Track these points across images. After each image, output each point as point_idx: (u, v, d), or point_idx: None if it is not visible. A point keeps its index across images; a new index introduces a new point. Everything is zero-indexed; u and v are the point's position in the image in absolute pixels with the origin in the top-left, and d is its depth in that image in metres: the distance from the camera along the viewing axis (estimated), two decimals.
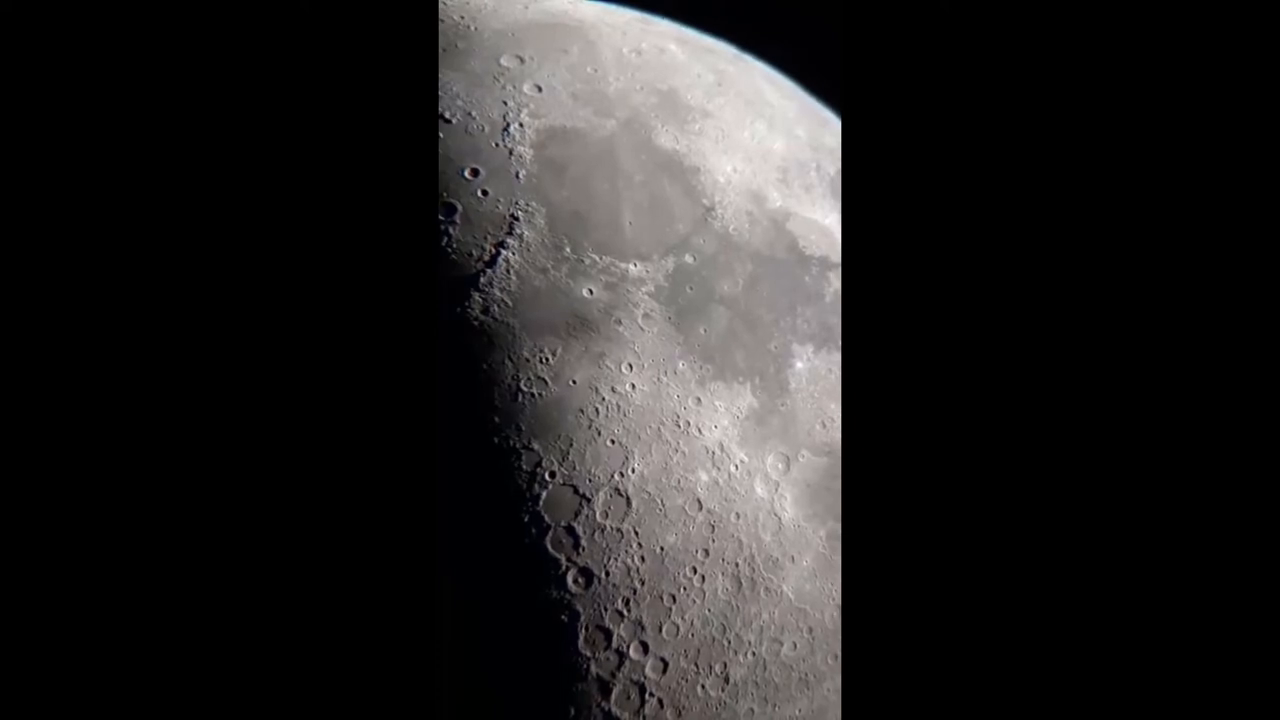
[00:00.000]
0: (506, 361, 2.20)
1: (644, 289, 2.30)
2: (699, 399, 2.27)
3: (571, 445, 2.19)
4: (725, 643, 2.25)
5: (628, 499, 2.20)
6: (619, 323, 2.26)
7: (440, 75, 2.44)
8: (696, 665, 2.23)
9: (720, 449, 2.27)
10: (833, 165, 2.68)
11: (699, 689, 2.24)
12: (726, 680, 2.26)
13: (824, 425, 2.37)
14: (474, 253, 2.25)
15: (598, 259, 2.29)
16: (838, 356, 2.41)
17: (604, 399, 2.22)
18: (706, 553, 2.23)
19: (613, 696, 2.21)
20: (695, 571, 2.23)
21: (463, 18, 2.58)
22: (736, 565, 2.25)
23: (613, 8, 2.82)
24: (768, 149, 2.59)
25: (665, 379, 2.26)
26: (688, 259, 2.35)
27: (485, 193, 2.30)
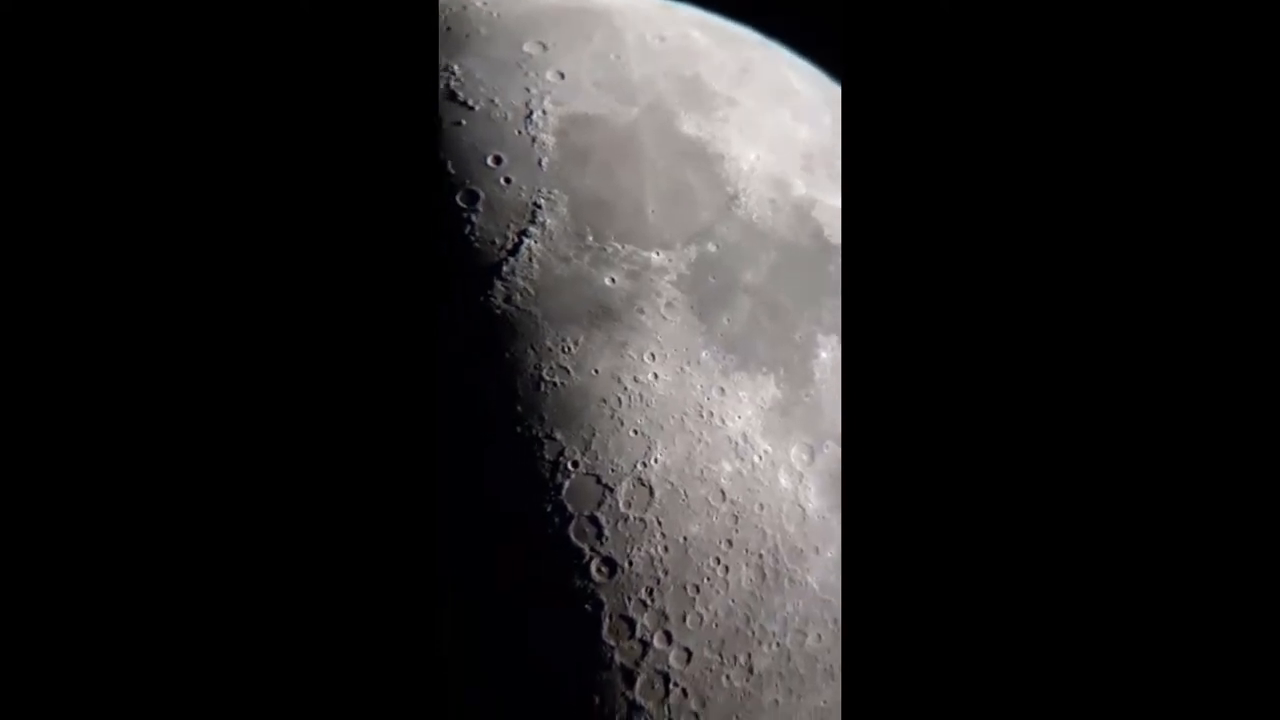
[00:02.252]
0: (529, 350, 2.19)
1: (667, 278, 2.29)
2: (722, 389, 2.26)
3: (594, 435, 2.19)
4: (749, 633, 2.24)
5: (650, 489, 2.19)
6: (641, 312, 2.25)
7: (462, 62, 2.43)
8: (721, 655, 2.22)
9: (744, 439, 2.25)
10: None
11: (723, 679, 2.23)
12: (751, 671, 2.25)
13: None
14: (497, 241, 2.24)
15: (620, 247, 2.28)
16: None
17: (626, 389, 2.21)
18: (730, 543, 2.22)
19: (637, 686, 2.20)
20: (719, 562, 2.21)
21: (485, 4, 2.58)
22: (760, 556, 2.24)
23: None
24: (792, 136, 2.57)
25: (688, 369, 2.25)
26: (711, 247, 2.34)
27: (508, 180, 2.29)
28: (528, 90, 2.39)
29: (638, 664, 2.19)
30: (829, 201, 2.52)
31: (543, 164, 2.31)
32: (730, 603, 2.22)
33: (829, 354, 2.36)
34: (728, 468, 2.23)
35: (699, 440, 2.23)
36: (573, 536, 2.17)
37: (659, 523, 2.19)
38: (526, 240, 2.25)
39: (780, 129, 2.57)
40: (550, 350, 2.20)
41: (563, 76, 2.43)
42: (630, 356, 2.23)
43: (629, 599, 2.18)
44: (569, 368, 2.20)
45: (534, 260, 2.24)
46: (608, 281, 2.26)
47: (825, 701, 2.32)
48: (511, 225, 2.26)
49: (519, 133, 2.34)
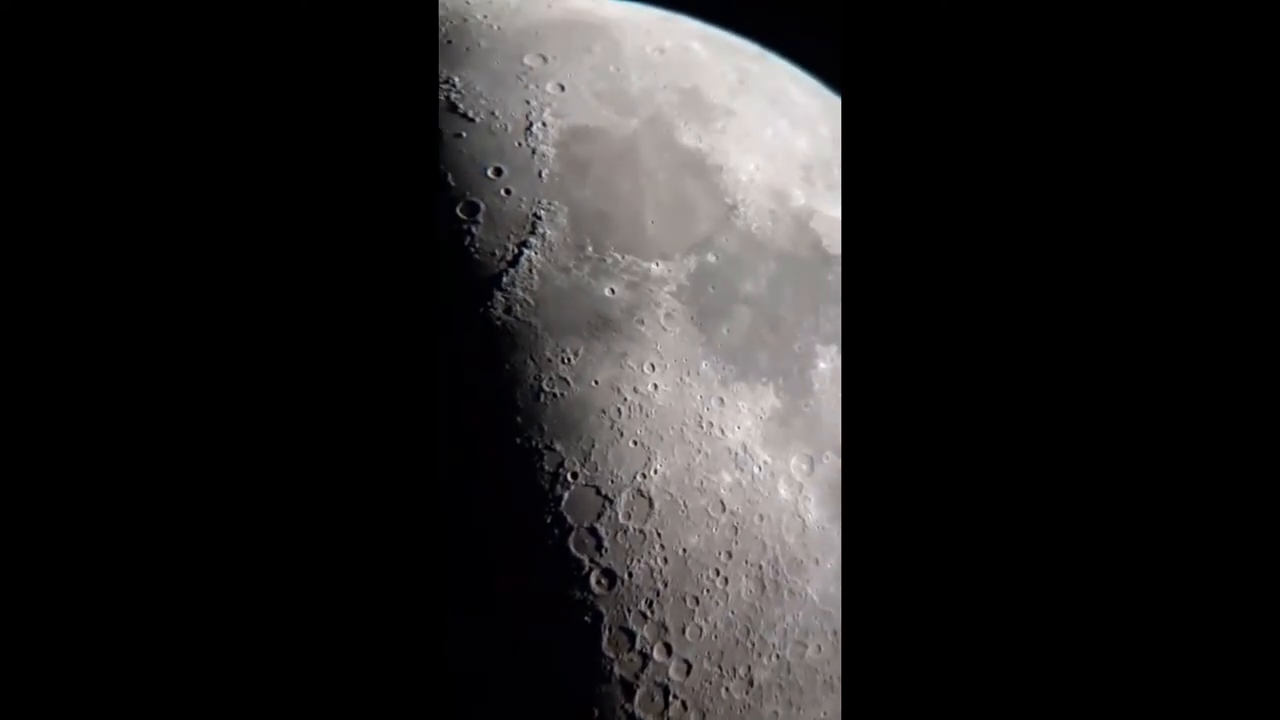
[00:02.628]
0: (529, 361, 2.19)
1: (666, 288, 2.29)
2: (722, 399, 2.26)
3: (594, 446, 2.18)
4: (749, 645, 2.23)
5: (650, 500, 2.19)
6: (641, 322, 2.25)
7: (463, 74, 2.43)
8: (720, 668, 2.22)
9: (743, 450, 2.25)
10: None
11: (723, 691, 2.23)
12: (750, 683, 2.24)
13: None
14: (497, 252, 2.24)
15: (620, 258, 2.28)
16: None
17: (626, 399, 2.21)
18: (730, 554, 2.22)
19: (636, 698, 2.19)
20: (718, 573, 2.21)
21: (486, 16, 2.58)
22: (760, 567, 2.24)
23: (636, 6, 2.82)
24: (791, 147, 2.58)
25: (688, 379, 2.25)
26: (710, 258, 2.34)
27: (508, 192, 2.29)
28: (528, 102, 2.40)
29: (637, 676, 2.19)
30: (828, 212, 2.52)
31: (543, 175, 2.31)
32: (730, 614, 2.21)
33: (828, 364, 2.36)
34: (727, 479, 2.23)
35: (698, 451, 2.23)
36: (572, 548, 2.16)
37: (658, 534, 2.19)
38: (526, 251, 2.25)
39: (779, 140, 2.57)
40: (550, 361, 2.20)
41: (563, 89, 2.44)
42: (630, 367, 2.23)
43: (629, 611, 2.18)
44: (569, 379, 2.20)
45: (534, 271, 2.24)
46: (607, 292, 2.26)
47: (825, 713, 2.31)
48: (511, 236, 2.26)
49: (519, 144, 2.34)
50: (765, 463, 2.26)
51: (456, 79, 2.42)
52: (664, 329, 2.26)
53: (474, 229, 2.26)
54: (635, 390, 2.22)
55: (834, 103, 2.88)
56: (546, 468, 2.17)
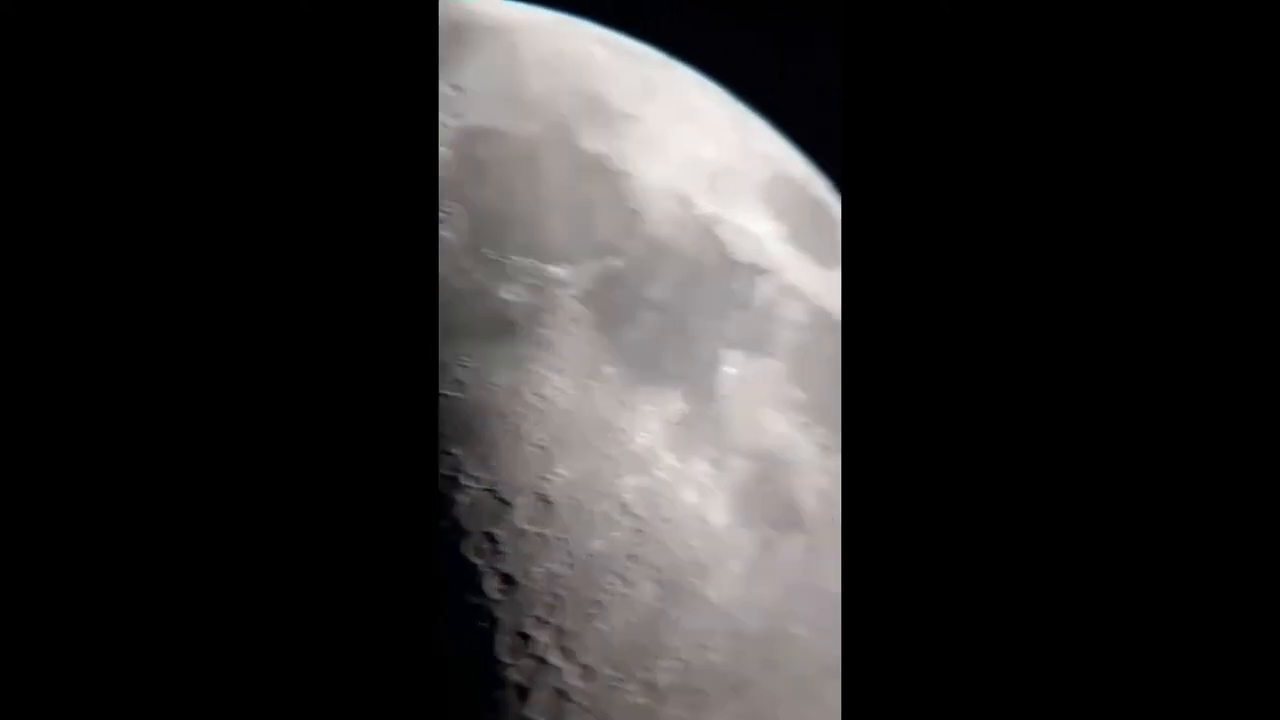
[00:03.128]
0: None
1: (569, 292, 2.28)
2: (627, 403, 2.25)
3: (493, 450, 2.16)
4: (651, 649, 2.21)
5: (551, 504, 2.17)
6: (543, 326, 2.24)
7: None
8: (621, 672, 2.20)
9: (648, 454, 2.24)
10: (761, 171, 2.68)
11: (624, 696, 2.20)
12: (653, 687, 2.22)
13: (754, 431, 2.36)
14: None
15: (521, 261, 2.27)
16: (768, 363, 2.39)
17: (527, 403, 2.19)
18: (633, 558, 2.20)
19: (534, 703, 2.16)
20: (621, 578, 2.19)
21: None
22: (664, 571, 2.23)
23: (534, 9, 2.82)
24: (697, 154, 2.59)
25: (591, 383, 2.24)
26: (614, 263, 2.34)
27: None
28: None
29: (534, 681, 2.16)
30: (733, 219, 2.53)
31: (439, 177, 2.29)
32: (632, 619, 2.20)
33: (734, 369, 2.37)
34: (631, 483, 2.22)
35: (602, 455, 2.21)
36: (468, 553, 2.13)
37: (559, 539, 2.17)
38: None
39: (684, 147, 2.58)
40: (447, 364, 2.17)
41: (459, 89, 2.42)
42: (531, 371, 2.21)
43: (526, 616, 2.15)
44: (466, 381, 2.18)
45: None
46: (508, 296, 2.24)
47: (729, 718, 2.30)
48: None
49: None
50: (670, 467, 2.26)
51: None
52: (567, 333, 2.25)
53: None
54: (536, 394, 2.20)
55: (740, 111, 2.90)
56: (443, 471, 2.14)
